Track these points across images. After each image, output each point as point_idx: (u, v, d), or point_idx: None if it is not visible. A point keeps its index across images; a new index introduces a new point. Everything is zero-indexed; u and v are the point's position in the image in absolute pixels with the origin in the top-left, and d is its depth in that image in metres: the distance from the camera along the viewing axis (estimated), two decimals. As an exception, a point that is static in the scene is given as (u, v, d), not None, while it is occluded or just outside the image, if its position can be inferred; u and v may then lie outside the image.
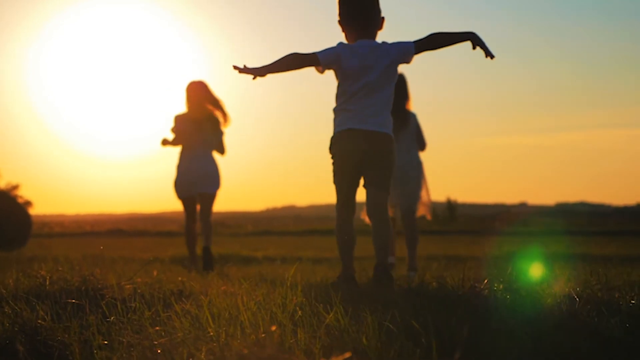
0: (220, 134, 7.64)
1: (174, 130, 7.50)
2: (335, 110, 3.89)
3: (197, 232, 7.77)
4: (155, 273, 6.30)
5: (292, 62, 3.69)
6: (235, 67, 3.62)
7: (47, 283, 3.15)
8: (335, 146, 3.85)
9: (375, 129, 3.76)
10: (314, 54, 3.73)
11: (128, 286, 3.05)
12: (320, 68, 3.84)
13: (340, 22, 3.89)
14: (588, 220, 38.96)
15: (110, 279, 3.19)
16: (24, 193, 46.13)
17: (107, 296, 2.78)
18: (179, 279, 3.80)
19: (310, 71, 3.96)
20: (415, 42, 3.77)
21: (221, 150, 7.72)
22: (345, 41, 3.91)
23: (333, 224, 4.05)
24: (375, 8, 3.84)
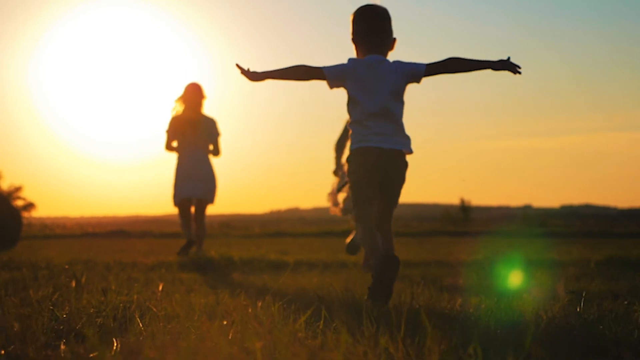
0: (216, 134, 7.78)
1: (168, 130, 7.78)
2: (350, 126, 3.83)
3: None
4: (161, 287, 4.54)
5: (297, 72, 3.74)
6: (238, 66, 3.72)
7: None
8: (352, 164, 3.77)
9: (391, 147, 3.70)
10: (319, 68, 3.73)
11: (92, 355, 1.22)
12: (329, 83, 3.77)
13: (353, 39, 3.91)
14: (595, 222, 38.00)
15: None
16: (27, 195, 44.57)
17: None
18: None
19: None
20: (428, 64, 3.77)
21: (216, 152, 7.81)
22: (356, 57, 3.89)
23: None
24: (387, 28, 3.87)
